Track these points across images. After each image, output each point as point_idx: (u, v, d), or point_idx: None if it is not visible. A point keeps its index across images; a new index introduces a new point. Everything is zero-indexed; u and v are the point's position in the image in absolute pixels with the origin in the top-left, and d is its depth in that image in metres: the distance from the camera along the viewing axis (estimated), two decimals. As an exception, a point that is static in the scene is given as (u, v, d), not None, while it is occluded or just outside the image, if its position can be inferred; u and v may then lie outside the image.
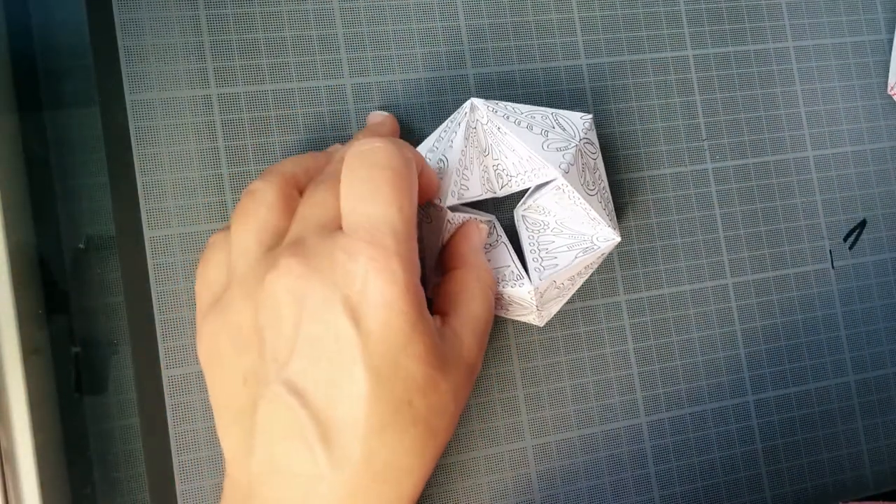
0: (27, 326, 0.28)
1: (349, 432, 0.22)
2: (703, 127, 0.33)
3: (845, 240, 0.35)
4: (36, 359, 0.28)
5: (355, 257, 0.22)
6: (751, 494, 0.32)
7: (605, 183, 0.30)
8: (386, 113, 0.30)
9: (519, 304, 0.29)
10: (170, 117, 0.29)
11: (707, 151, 0.33)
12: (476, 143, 0.28)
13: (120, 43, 0.28)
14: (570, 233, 0.29)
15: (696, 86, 0.34)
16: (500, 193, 0.29)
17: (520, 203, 0.29)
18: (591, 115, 0.29)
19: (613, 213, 0.30)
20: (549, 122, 0.28)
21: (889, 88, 0.36)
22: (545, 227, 0.29)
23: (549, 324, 0.31)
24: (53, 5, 0.30)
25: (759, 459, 0.33)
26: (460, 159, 0.27)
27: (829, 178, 0.35)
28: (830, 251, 0.34)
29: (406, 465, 0.23)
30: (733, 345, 0.33)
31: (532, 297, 0.28)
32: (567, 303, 0.31)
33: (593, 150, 0.29)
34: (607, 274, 0.32)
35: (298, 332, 0.22)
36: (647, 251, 0.32)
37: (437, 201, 0.27)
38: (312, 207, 0.24)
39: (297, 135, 0.30)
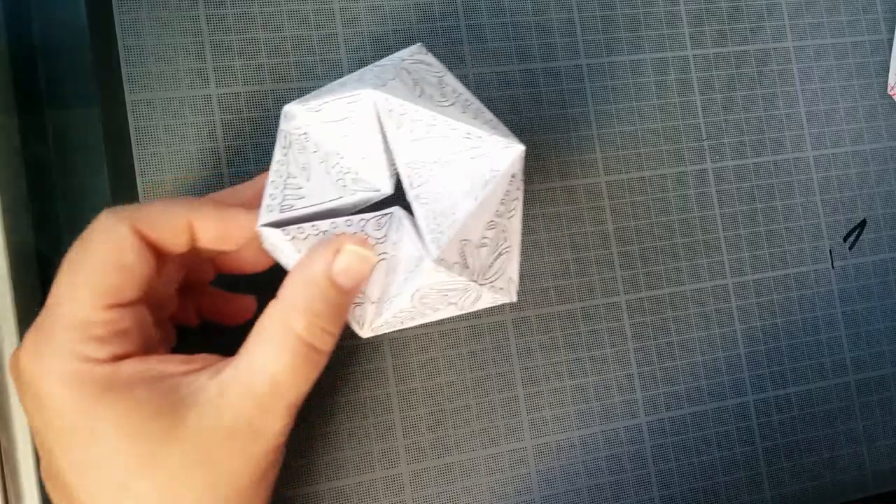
0: (27, 326, 0.28)
1: None
2: (703, 127, 0.33)
3: (845, 240, 0.35)
4: (36, 359, 0.28)
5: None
6: (751, 494, 0.32)
7: (478, 104, 0.25)
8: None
9: (452, 290, 0.24)
10: (170, 117, 0.29)
11: (707, 151, 0.33)
12: (310, 148, 0.25)
13: (120, 43, 0.28)
14: (461, 175, 0.24)
15: (696, 86, 0.34)
16: (384, 188, 0.24)
17: (406, 190, 0.25)
18: (419, 44, 0.26)
19: (501, 125, 0.25)
20: (366, 69, 0.26)
21: (889, 88, 0.36)
22: (435, 191, 0.24)
23: (549, 324, 0.31)
24: (53, 5, 0.30)
25: (759, 459, 0.33)
26: (278, 170, 0.24)
27: (829, 178, 0.35)
28: (830, 251, 0.34)
29: None
30: (733, 345, 0.33)
31: (449, 274, 0.23)
32: (567, 303, 0.31)
33: (437, 71, 0.25)
34: (607, 274, 0.32)
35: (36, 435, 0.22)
36: (647, 251, 0.32)
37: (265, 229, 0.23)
38: None
39: (297, 135, 0.30)
